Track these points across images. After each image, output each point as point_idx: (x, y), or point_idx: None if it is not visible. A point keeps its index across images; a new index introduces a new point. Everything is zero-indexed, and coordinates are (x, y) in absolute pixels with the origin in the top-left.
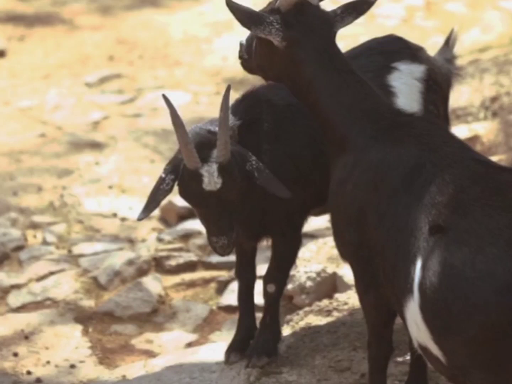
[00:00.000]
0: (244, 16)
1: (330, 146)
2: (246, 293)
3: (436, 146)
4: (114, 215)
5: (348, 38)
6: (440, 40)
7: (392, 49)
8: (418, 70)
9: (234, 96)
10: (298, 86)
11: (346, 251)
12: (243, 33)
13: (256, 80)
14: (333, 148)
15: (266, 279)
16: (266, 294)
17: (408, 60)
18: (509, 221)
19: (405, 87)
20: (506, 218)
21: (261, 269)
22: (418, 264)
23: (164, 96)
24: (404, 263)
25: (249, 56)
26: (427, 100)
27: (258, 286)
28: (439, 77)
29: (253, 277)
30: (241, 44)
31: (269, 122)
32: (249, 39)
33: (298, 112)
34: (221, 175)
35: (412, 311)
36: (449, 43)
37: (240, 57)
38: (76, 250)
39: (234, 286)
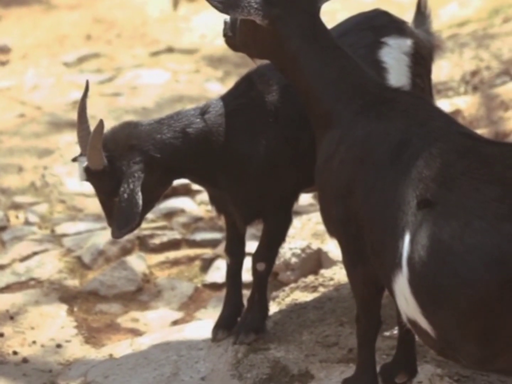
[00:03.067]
0: (219, 2)
1: (315, 122)
2: (235, 271)
3: (422, 121)
4: None
5: (326, 14)
6: None
7: (380, 24)
8: (405, 44)
9: (214, 74)
10: (283, 62)
11: (333, 227)
12: None
13: (236, 58)
14: (318, 124)
15: (256, 257)
16: (255, 272)
17: (396, 34)
18: (496, 194)
19: (395, 62)
20: (494, 191)
21: (249, 246)
22: (407, 238)
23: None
24: (392, 238)
25: (233, 34)
26: (414, 74)
27: (245, 263)
28: (423, 51)
29: (242, 255)
30: (225, 22)
31: (267, 103)
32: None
33: (295, 93)
34: (86, 174)
35: (401, 285)
36: (421, 9)
37: (225, 35)
38: (59, 230)
39: (218, 263)
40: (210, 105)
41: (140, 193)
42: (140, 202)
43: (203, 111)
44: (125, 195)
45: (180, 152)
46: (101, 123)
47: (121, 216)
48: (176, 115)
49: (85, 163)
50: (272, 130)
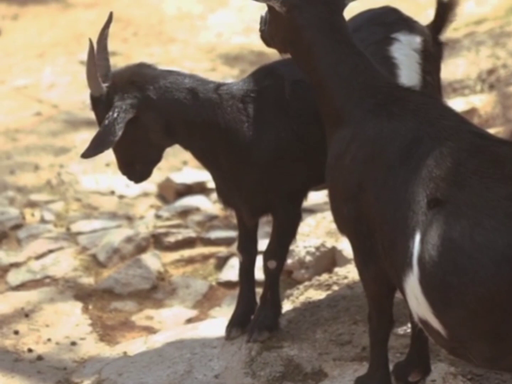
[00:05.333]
0: None
1: (326, 118)
2: (247, 268)
3: (433, 120)
4: (112, 192)
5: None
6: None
7: (390, 20)
8: (415, 41)
9: (230, 72)
10: (299, 53)
11: (344, 225)
12: (237, 10)
13: (252, 56)
14: (330, 120)
15: (267, 255)
16: (266, 270)
17: (406, 31)
18: (507, 193)
19: (405, 58)
20: (504, 190)
21: (261, 244)
22: (417, 238)
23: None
24: (402, 237)
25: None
26: (424, 71)
27: (258, 261)
28: (432, 48)
29: (254, 252)
30: (261, 17)
31: (278, 96)
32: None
33: (308, 89)
34: (90, 101)
35: (412, 285)
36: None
37: (260, 29)
38: (75, 228)
39: (233, 261)
40: (226, 85)
41: (122, 125)
42: (119, 133)
43: (217, 86)
44: (106, 121)
45: (179, 106)
46: (91, 48)
47: (96, 139)
48: (193, 75)
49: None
50: (281, 122)
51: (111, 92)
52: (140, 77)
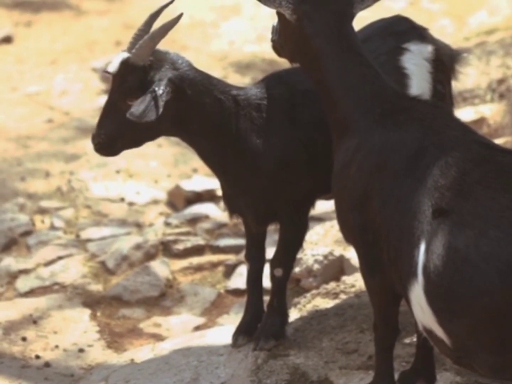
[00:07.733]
0: None
1: (333, 127)
2: (255, 276)
3: (439, 130)
4: (122, 199)
5: (354, 21)
6: (446, 23)
7: (401, 30)
8: (426, 50)
9: (242, 80)
10: (307, 61)
11: (350, 234)
12: (250, 18)
13: (264, 65)
14: (336, 129)
15: (273, 263)
16: (273, 278)
17: (417, 40)
18: None
19: (416, 68)
20: (510, 200)
21: (270, 252)
22: (422, 247)
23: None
24: (408, 247)
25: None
26: (435, 80)
27: (266, 269)
28: (444, 57)
29: (262, 260)
30: (273, 26)
31: (285, 104)
32: None
33: (315, 99)
34: (120, 67)
35: (417, 294)
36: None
37: (272, 39)
38: (84, 234)
39: (241, 269)
40: (243, 91)
41: (163, 104)
42: (161, 110)
43: (237, 94)
44: (154, 94)
45: (203, 110)
46: (177, 19)
47: (143, 105)
48: (222, 81)
49: (126, 56)
50: (286, 131)
51: (153, 67)
52: (182, 68)
